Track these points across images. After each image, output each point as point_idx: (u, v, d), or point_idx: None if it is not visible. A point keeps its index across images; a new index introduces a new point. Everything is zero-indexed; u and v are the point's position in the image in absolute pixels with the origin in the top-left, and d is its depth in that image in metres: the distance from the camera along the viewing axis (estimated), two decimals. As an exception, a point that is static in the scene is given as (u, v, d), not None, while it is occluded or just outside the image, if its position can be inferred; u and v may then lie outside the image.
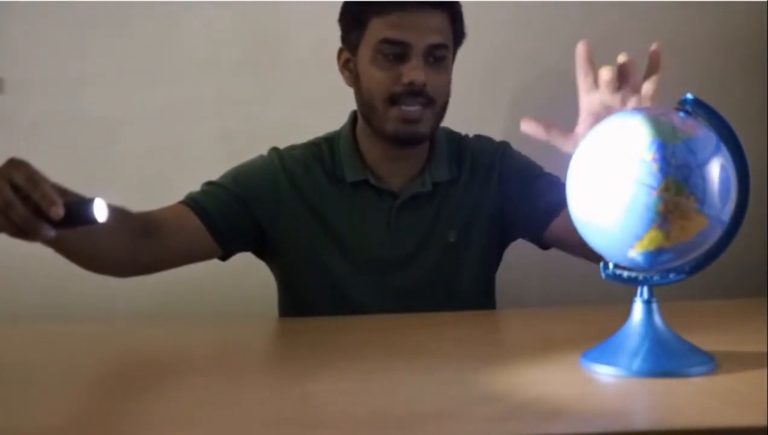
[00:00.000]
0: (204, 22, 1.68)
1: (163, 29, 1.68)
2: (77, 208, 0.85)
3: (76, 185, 0.95)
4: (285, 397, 0.79)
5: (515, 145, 1.40)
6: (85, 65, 1.66)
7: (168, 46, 1.68)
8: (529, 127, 0.99)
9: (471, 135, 1.40)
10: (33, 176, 0.85)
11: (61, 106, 1.66)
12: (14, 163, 0.86)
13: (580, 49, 0.96)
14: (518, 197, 1.32)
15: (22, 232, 0.85)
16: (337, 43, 1.34)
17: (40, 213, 0.84)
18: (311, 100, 1.68)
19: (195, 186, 1.29)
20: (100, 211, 0.85)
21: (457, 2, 1.28)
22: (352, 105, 1.37)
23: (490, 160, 1.35)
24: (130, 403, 0.79)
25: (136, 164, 1.67)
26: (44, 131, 1.66)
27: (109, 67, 1.67)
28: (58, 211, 0.83)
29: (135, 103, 1.67)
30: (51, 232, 0.85)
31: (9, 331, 1.19)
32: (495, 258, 1.38)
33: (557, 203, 1.24)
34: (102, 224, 0.86)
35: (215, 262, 1.29)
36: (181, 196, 1.27)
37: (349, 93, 1.37)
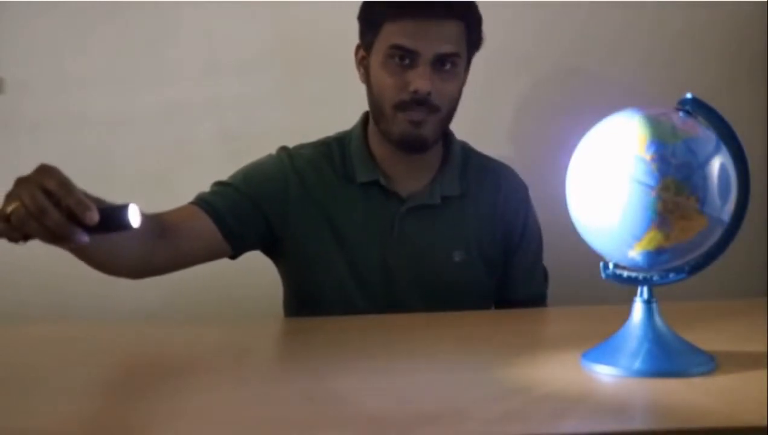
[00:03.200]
0: (204, 22, 1.68)
1: (163, 29, 1.68)
2: (112, 214, 0.84)
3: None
4: (288, 396, 0.79)
5: (519, 149, 1.41)
6: (85, 65, 1.67)
7: (168, 46, 1.68)
8: None
9: (490, 150, 1.42)
10: (65, 182, 0.84)
11: (61, 106, 1.66)
12: (45, 169, 0.85)
13: None
14: (512, 253, 1.38)
15: (56, 237, 0.84)
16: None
17: (73, 218, 0.83)
18: (312, 100, 1.68)
19: (195, 186, 1.29)
20: (134, 217, 0.85)
21: (474, 8, 1.28)
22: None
23: (505, 191, 1.37)
24: (133, 403, 0.79)
25: (136, 164, 1.67)
26: (44, 131, 1.66)
27: (109, 67, 1.67)
28: (93, 217, 0.83)
29: (135, 103, 1.67)
30: (85, 238, 0.84)
31: (9, 331, 1.19)
32: (491, 277, 1.37)
33: (539, 295, 1.41)
34: (135, 230, 0.86)
35: (219, 262, 1.29)
36: (181, 196, 1.27)
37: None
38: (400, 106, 1.23)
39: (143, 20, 1.67)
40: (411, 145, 1.27)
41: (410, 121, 1.24)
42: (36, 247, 0.95)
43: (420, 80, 1.21)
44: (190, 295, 1.59)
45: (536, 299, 1.41)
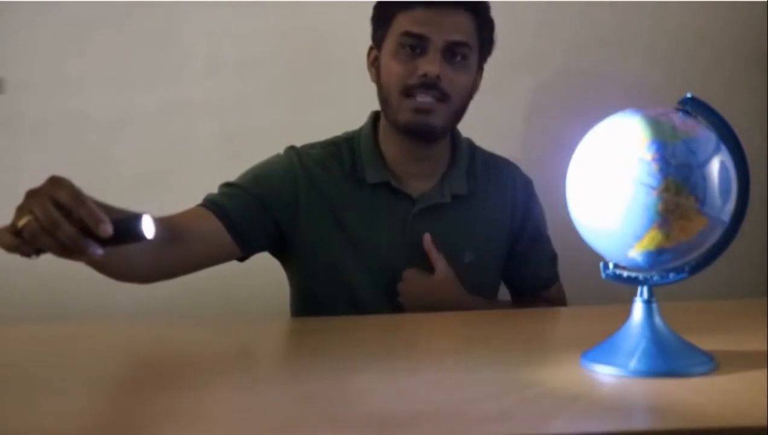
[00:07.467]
0: (204, 22, 1.68)
1: (163, 29, 1.68)
2: (125, 226, 0.82)
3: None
4: (291, 396, 0.79)
5: (521, 150, 1.42)
6: (85, 65, 1.67)
7: (168, 46, 1.68)
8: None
9: (493, 150, 1.43)
10: (77, 194, 0.82)
11: (61, 106, 1.66)
12: (56, 181, 0.83)
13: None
14: (522, 244, 1.39)
15: (70, 251, 0.82)
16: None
17: (86, 231, 0.81)
18: (312, 101, 1.68)
19: (195, 186, 1.29)
20: (148, 228, 0.83)
21: (486, 7, 1.29)
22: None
23: (512, 189, 1.38)
24: (135, 403, 0.79)
25: (136, 164, 1.67)
26: (44, 131, 1.66)
27: (109, 67, 1.67)
28: (107, 230, 0.80)
29: (135, 103, 1.67)
30: (98, 251, 0.82)
31: (8, 331, 1.19)
32: (499, 273, 1.40)
33: (546, 279, 1.41)
34: (150, 241, 0.84)
35: (226, 263, 1.29)
36: (181, 195, 1.26)
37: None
38: (406, 92, 1.24)
39: (143, 20, 1.67)
40: (418, 133, 1.27)
41: (416, 109, 1.24)
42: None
43: (429, 65, 1.23)
44: (194, 296, 1.58)
45: (548, 282, 1.42)
